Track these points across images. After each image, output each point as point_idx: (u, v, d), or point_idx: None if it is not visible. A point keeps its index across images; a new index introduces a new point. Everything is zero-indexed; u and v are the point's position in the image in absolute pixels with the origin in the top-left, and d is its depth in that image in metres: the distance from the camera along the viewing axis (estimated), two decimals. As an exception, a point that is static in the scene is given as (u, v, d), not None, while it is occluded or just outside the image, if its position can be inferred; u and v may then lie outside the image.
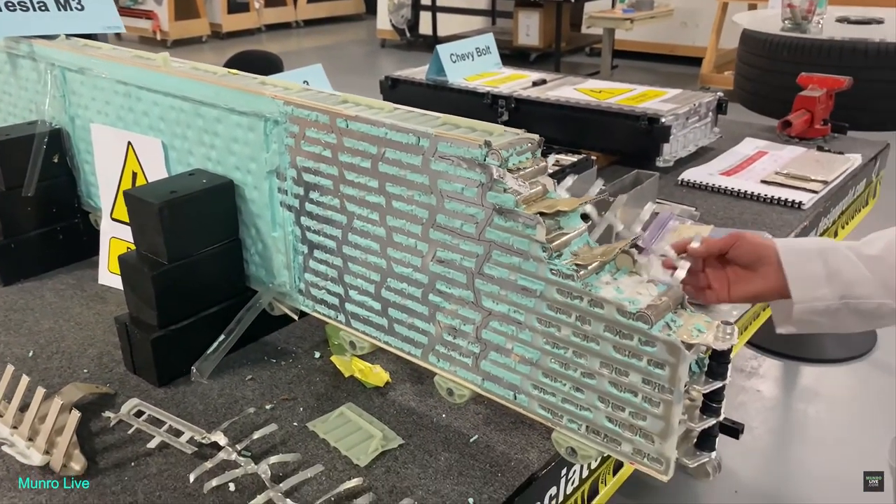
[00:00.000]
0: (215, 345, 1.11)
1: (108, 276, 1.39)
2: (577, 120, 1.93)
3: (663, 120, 1.82)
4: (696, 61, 5.94)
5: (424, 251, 0.97)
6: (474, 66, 2.26)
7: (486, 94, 2.07)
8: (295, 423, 1.03)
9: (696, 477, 0.85)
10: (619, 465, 1.10)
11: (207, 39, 8.37)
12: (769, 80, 3.98)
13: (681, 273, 0.92)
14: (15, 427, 0.98)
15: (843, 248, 0.95)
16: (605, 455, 0.91)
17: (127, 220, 1.23)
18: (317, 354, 1.18)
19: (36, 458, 0.94)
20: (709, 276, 1.01)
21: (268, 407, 1.06)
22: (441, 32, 7.44)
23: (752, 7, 5.67)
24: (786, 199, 1.68)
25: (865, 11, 4.54)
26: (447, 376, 1.01)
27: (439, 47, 2.18)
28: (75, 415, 0.95)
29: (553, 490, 0.97)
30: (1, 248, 1.38)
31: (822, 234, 1.74)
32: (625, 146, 1.91)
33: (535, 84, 2.16)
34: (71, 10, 1.49)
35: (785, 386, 2.50)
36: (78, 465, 0.94)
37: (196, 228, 1.12)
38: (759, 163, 1.91)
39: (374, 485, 0.91)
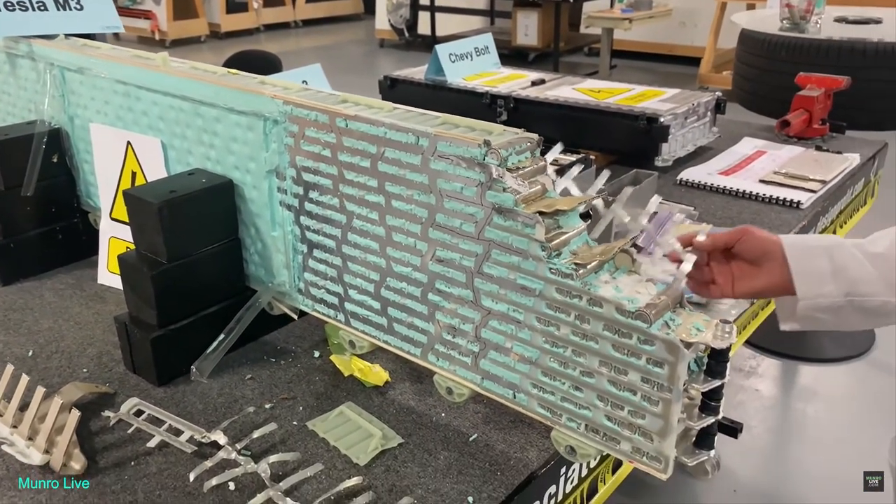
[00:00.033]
0: (215, 344, 1.11)
1: (108, 275, 1.39)
2: (575, 119, 1.94)
3: (662, 119, 1.82)
4: (695, 61, 5.95)
5: (424, 250, 0.97)
6: (473, 65, 2.26)
7: (484, 94, 2.07)
8: (294, 423, 1.03)
9: (695, 475, 0.85)
10: (618, 464, 1.10)
11: (206, 39, 8.37)
12: (767, 79, 3.99)
13: (686, 266, 0.92)
14: (15, 426, 0.98)
15: (848, 245, 0.94)
16: (605, 454, 0.91)
17: (126, 220, 1.23)
18: (316, 354, 1.18)
19: (36, 457, 0.94)
20: (713, 270, 1.01)
21: (267, 406, 1.06)
22: (440, 32, 7.44)
23: (751, 7, 5.68)
24: (784, 199, 1.68)
25: (863, 11, 4.55)
26: (446, 375, 1.01)
27: (438, 47, 2.18)
28: (75, 414, 0.95)
29: (552, 489, 0.97)
30: (0, 248, 1.38)
31: (820, 234, 1.74)
32: (624, 146, 1.91)
33: (533, 84, 2.16)
34: (70, 9, 1.49)
35: (783, 385, 2.50)
36: (78, 464, 0.94)
37: (195, 228, 1.12)
38: (758, 162, 1.92)
39: (373, 484, 0.92)
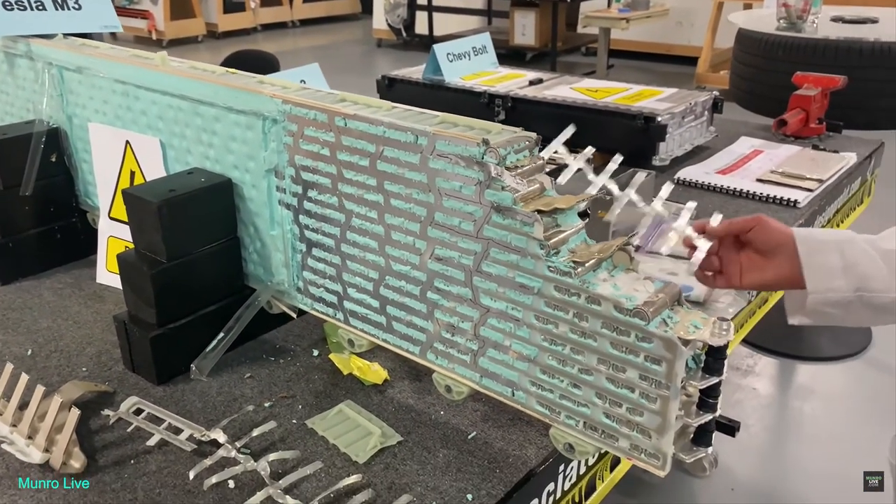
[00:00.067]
0: (214, 342, 1.11)
1: (106, 274, 1.40)
2: (573, 119, 1.92)
3: (659, 119, 1.83)
4: (692, 61, 5.95)
5: (423, 249, 0.97)
6: (471, 65, 2.26)
7: (482, 94, 2.07)
8: (294, 421, 1.03)
9: (693, 472, 0.85)
10: (616, 462, 1.11)
11: (203, 39, 8.36)
12: (765, 79, 4.00)
13: (700, 254, 0.92)
14: (14, 425, 0.98)
15: (860, 240, 0.94)
16: (603, 451, 0.91)
17: (125, 219, 1.24)
18: (315, 352, 1.18)
19: (36, 455, 0.94)
20: (722, 259, 1.01)
21: (266, 405, 1.06)
22: (437, 32, 7.44)
23: (748, 6, 5.69)
24: (781, 198, 1.69)
25: (860, 11, 4.56)
26: (445, 373, 1.01)
27: (436, 46, 2.19)
28: (75, 412, 0.95)
29: (551, 486, 0.97)
30: (-1, 247, 1.39)
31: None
32: (621, 145, 1.90)
33: (531, 83, 2.17)
34: (68, 9, 1.49)
35: (781, 384, 2.51)
36: (78, 462, 0.94)
37: (195, 227, 1.13)
38: (755, 161, 1.92)
39: (372, 481, 0.92)
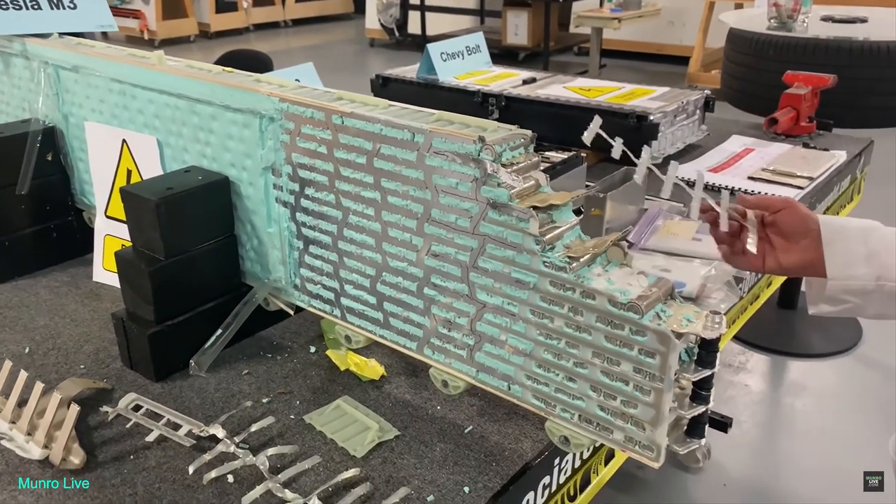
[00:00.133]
0: (213, 339, 1.12)
1: (103, 273, 1.40)
2: (566, 117, 1.95)
3: (652, 117, 1.84)
4: (684, 60, 5.98)
5: (419, 245, 0.98)
6: (464, 64, 2.28)
7: (476, 93, 2.08)
8: (292, 416, 1.04)
9: (687, 463, 0.87)
10: (610, 456, 1.12)
11: (195, 39, 8.34)
12: (756, 78, 4.03)
13: (752, 238, 0.94)
14: (13, 422, 0.99)
15: (886, 231, 0.95)
16: (598, 444, 0.93)
17: (122, 218, 1.24)
18: (312, 349, 1.19)
19: (35, 451, 0.95)
20: (742, 242, 1.01)
21: (264, 400, 1.07)
22: (430, 32, 7.45)
23: (739, 6, 5.72)
24: (772, 195, 1.70)
25: (849, 10, 4.59)
26: (442, 368, 1.03)
27: (430, 46, 2.20)
28: (74, 409, 0.96)
29: (546, 479, 0.99)
30: (-5, 246, 1.39)
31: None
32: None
33: (524, 82, 2.18)
34: (63, 8, 1.49)
35: (772, 380, 2.53)
36: (77, 458, 0.95)
37: (192, 225, 1.13)
38: (746, 160, 1.94)
39: (370, 475, 0.93)
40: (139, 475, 0.94)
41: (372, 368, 1.11)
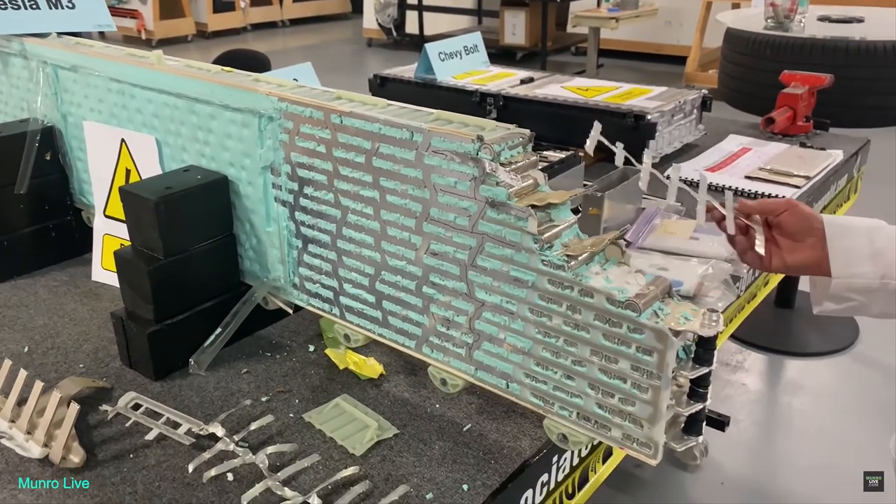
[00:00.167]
0: (212, 337, 1.12)
1: (102, 272, 1.40)
2: (564, 117, 1.96)
3: (649, 117, 1.85)
4: (681, 60, 5.99)
5: (418, 244, 0.99)
6: (462, 64, 2.28)
7: (474, 92, 2.09)
8: (291, 415, 1.04)
9: (684, 460, 0.87)
10: (608, 454, 1.13)
11: (193, 39, 8.34)
12: (753, 77, 4.03)
13: (759, 240, 0.94)
14: (13, 421, 0.99)
15: (890, 229, 0.95)
16: (596, 441, 0.93)
17: (120, 217, 1.25)
18: (311, 348, 1.20)
19: (35, 450, 0.95)
20: (753, 240, 1.02)
21: (264, 399, 1.07)
22: (427, 31, 7.45)
23: (736, 6, 5.73)
24: (769, 195, 1.71)
25: (846, 10, 4.60)
26: (441, 367, 1.03)
27: (428, 46, 2.20)
28: (74, 407, 0.96)
29: (545, 477, 0.99)
30: (-6, 246, 1.39)
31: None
32: (612, 143, 1.94)
33: (522, 82, 2.18)
34: (62, 8, 1.49)
35: (769, 379, 2.54)
36: (77, 457, 0.95)
37: (191, 224, 1.14)
38: (743, 159, 1.95)
39: (370, 473, 0.93)
40: (139, 473, 0.94)
41: (371, 367, 1.11)
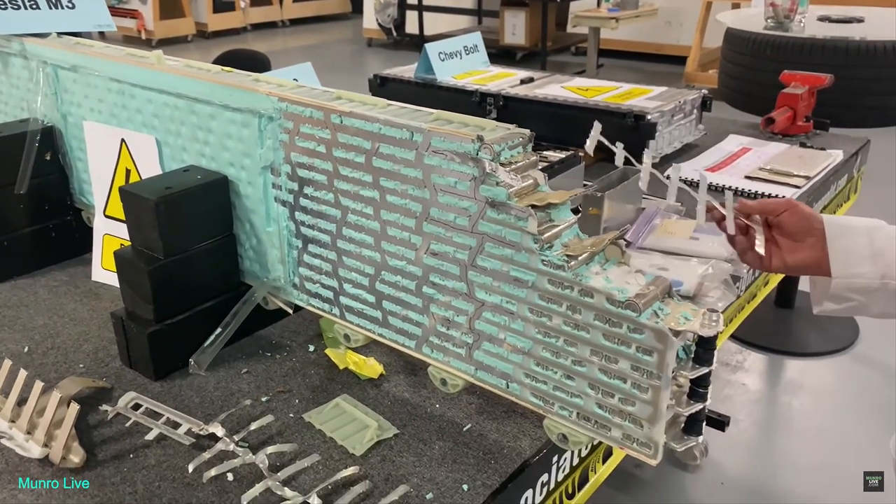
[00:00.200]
0: (212, 337, 1.12)
1: (102, 272, 1.40)
2: (564, 117, 1.96)
3: (649, 117, 1.85)
4: (681, 60, 5.99)
5: (418, 244, 0.99)
6: (462, 64, 2.28)
7: (474, 92, 2.09)
8: (291, 415, 1.04)
9: (684, 460, 0.87)
10: (608, 454, 1.13)
11: (192, 39, 8.34)
12: (753, 77, 4.03)
13: (759, 240, 0.94)
14: (13, 421, 0.99)
15: (890, 229, 0.95)
16: (596, 441, 0.93)
17: (120, 217, 1.25)
18: (311, 348, 1.20)
19: (35, 450, 0.95)
20: (754, 240, 1.02)
21: (264, 399, 1.07)
22: (427, 32, 7.46)
23: (736, 6, 5.73)
24: (769, 195, 1.71)
25: (846, 10, 4.61)
26: (441, 367, 1.03)
27: (428, 46, 2.20)
28: (74, 407, 0.96)
29: (545, 477, 0.99)
30: (-6, 246, 1.39)
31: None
32: (612, 143, 1.94)
33: (522, 82, 2.18)
34: (62, 8, 1.49)
35: (769, 379, 2.54)
36: (77, 457, 0.95)
37: (191, 224, 1.14)
38: (743, 159, 1.95)
39: (370, 473, 0.93)
40: (139, 473, 0.94)
41: (371, 367, 1.11)
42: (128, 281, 1.13)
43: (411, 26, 7.70)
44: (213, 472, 0.92)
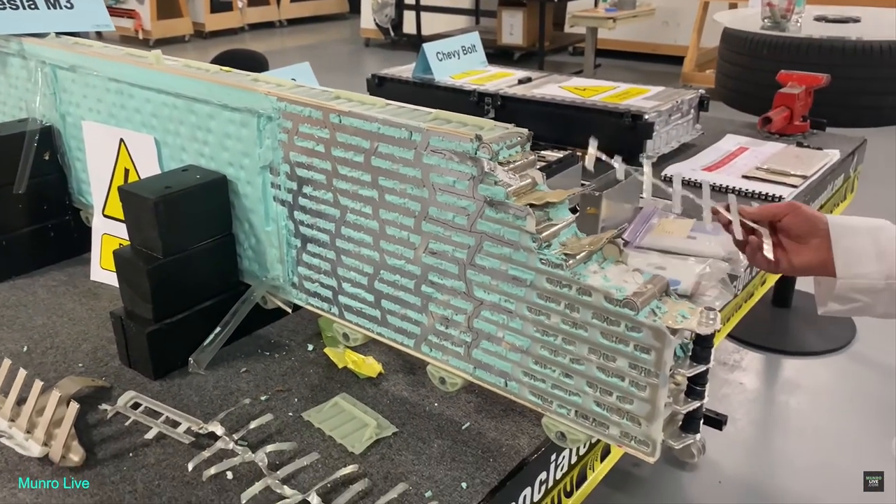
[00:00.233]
0: (212, 336, 1.13)
1: (101, 272, 1.40)
2: (562, 117, 1.96)
3: (647, 116, 1.85)
4: (678, 60, 6.00)
5: (417, 243, 0.99)
6: (460, 64, 2.28)
7: (472, 92, 2.09)
8: (290, 414, 1.04)
9: (682, 458, 0.88)
10: (606, 452, 1.13)
11: (190, 39, 8.33)
12: (750, 77, 4.04)
13: (767, 245, 0.94)
14: (13, 420, 0.99)
15: (894, 229, 0.96)
16: (594, 439, 0.93)
17: (119, 217, 1.25)
18: (310, 347, 1.20)
19: (35, 449, 0.95)
20: (761, 243, 1.02)
21: (263, 398, 1.08)
22: (425, 31, 7.45)
23: (733, 6, 5.74)
24: (766, 194, 1.72)
25: (843, 10, 4.61)
26: (439, 365, 1.03)
27: (426, 45, 2.20)
28: (74, 406, 0.96)
29: (543, 475, 0.99)
30: (-8, 245, 1.39)
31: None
32: (609, 142, 1.92)
33: (520, 82, 2.19)
34: (60, 8, 1.49)
35: (767, 378, 2.54)
36: (77, 455, 0.95)
37: (190, 223, 1.14)
38: (741, 158, 1.95)
39: (369, 471, 0.94)
40: (138, 472, 0.94)
41: (370, 366, 1.12)
42: (127, 280, 1.13)
43: (409, 26, 7.69)
44: (212, 470, 0.92)
